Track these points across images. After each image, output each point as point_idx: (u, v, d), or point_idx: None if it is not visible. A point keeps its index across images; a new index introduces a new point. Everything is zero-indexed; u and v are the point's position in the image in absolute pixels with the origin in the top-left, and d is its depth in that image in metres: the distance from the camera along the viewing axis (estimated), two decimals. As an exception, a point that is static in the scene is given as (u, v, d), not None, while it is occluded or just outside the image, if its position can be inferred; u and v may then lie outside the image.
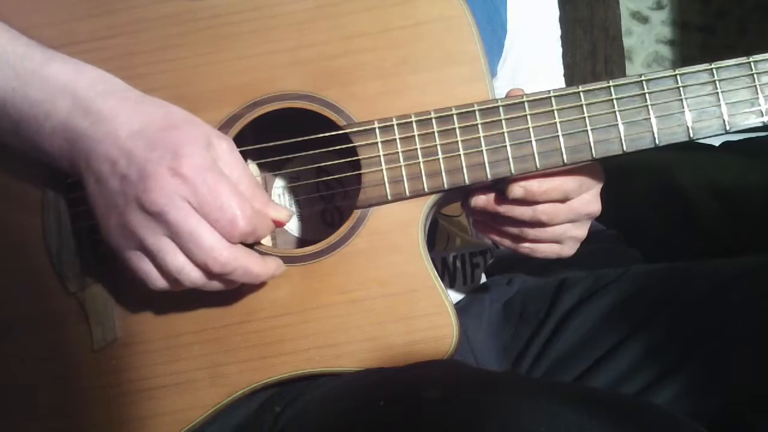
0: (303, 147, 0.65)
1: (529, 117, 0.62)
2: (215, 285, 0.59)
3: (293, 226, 0.76)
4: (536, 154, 0.62)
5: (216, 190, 0.55)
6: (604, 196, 0.68)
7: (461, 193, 0.67)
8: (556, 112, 0.62)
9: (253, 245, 0.62)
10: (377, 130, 0.63)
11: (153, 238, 0.56)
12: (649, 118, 0.62)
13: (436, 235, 0.82)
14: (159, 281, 0.58)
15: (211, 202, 0.55)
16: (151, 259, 0.57)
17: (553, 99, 0.62)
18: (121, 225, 0.56)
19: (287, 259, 0.64)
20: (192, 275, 0.57)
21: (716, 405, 0.65)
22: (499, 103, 0.62)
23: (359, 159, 0.63)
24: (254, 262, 0.59)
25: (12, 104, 0.58)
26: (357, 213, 0.64)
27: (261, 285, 0.64)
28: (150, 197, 0.54)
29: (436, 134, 0.63)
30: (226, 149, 0.58)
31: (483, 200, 0.65)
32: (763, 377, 0.64)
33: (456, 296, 0.85)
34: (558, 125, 0.62)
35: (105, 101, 0.57)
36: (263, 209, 0.59)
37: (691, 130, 0.61)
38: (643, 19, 2.96)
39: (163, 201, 0.54)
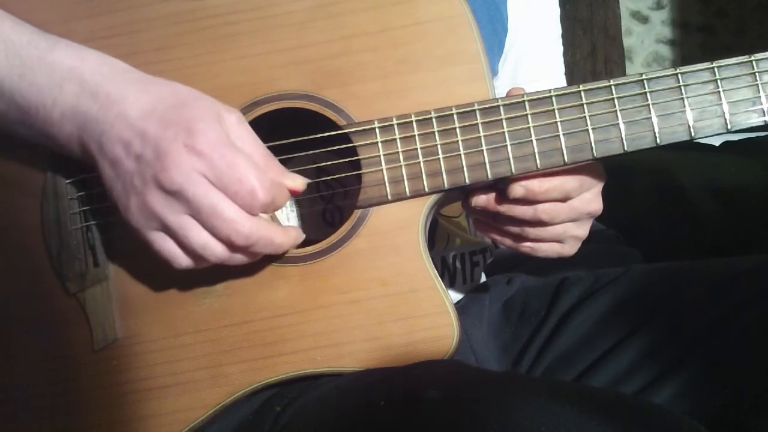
0: (303, 147, 0.65)
1: (529, 116, 0.62)
2: (239, 258, 0.59)
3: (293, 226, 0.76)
4: (537, 154, 0.62)
5: (233, 164, 0.55)
6: (605, 195, 0.68)
7: (462, 193, 0.67)
8: (556, 111, 0.62)
9: None
10: (377, 130, 0.63)
11: (174, 217, 0.56)
12: (650, 118, 0.61)
13: (435, 235, 0.82)
14: (183, 259, 0.58)
15: (229, 175, 0.55)
16: (173, 238, 0.57)
17: (553, 98, 0.62)
18: (141, 206, 0.56)
19: (288, 260, 0.64)
20: (216, 250, 0.57)
21: (716, 405, 0.65)
22: (500, 103, 0.62)
23: (359, 159, 0.63)
24: (276, 231, 0.59)
25: (19, 92, 0.58)
26: (357, 213, 0.64)
27: (262, 285, 0.64)
28: (168, 175, 0.54)
29: (437, 134, 0.63)
30: (235, 122, 0.58)
31: (483, 200, 0.65)
32: (763, 377, 0.63)
33: (456, 296, 0.85)
34: (559, 125, 0.62)
35: (112, 83, 0.57)
36: (279, 179, 0.59)
37: (692, 129, 0.61)
38: (643, 19, 2.96)
39: (182, 178, 0.54)
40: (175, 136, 0.55)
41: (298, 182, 0.61)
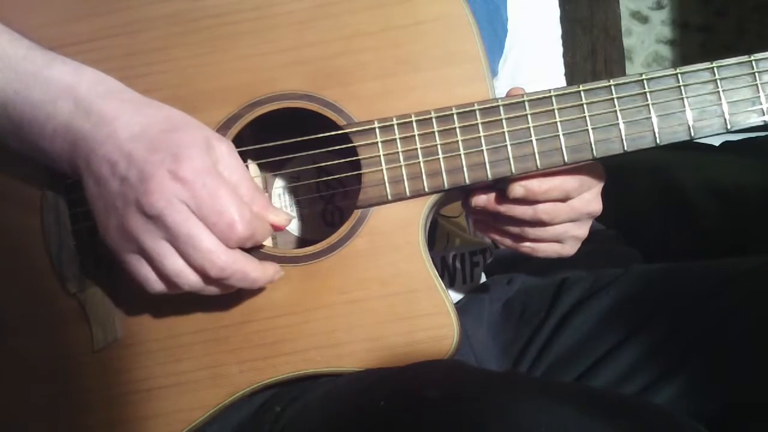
0: (303, 147, 0.65)
1: (529, 116, 0.62)
2: (212, 290, 0.59)
3: (293, 226, 0.76)
4: (537, 154, 0.62)
5: (215, 194, 0.55)
6: (605, 195, 0.68)
7: (462, 193, 0.67)
8: (556, 111, 0.62)
9: (252, 249, 0.62)
10: (377, 130, 0.63)
11: (151, 242, 0.56)
12: (650, 117, 0.61)
13: (435, 235, 0.82)
14: (157, 284, 0.58)
15: (210, 205, 0.55)
16: (149, 263, 0.57)
17: (553, 98, 0.62)
18: (120, 227, 0.56)
19: (288, 260, 0.64)
20: (190, 279, 0.57)
21: (716, 405, 0.65)
22: (500, 103, 0.62)
23: (359, 159, 0.63)
24: (252, 266, 0.59)
25: (13, 106, 0.58)
26: (357, 213, 0.64)
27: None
28: (149, 200, 0.54)
29: (437, 134, 0.63)
30: (225, 152, 0.58)
31: (483, 200, 0.65)
32: (763, 377, 0.64)
33: (456, 296, 0.85)
34: (558, 124, 0.62)
35: (106, 103, 0.57)
36: (262, 213, 0.59)
37: (692, 129, 0.61)
38: (643, 19, 2.96)
39: (162, 204, 0.54)
40: (161, 161, 0.55)
41: (282, 218, 0.61)
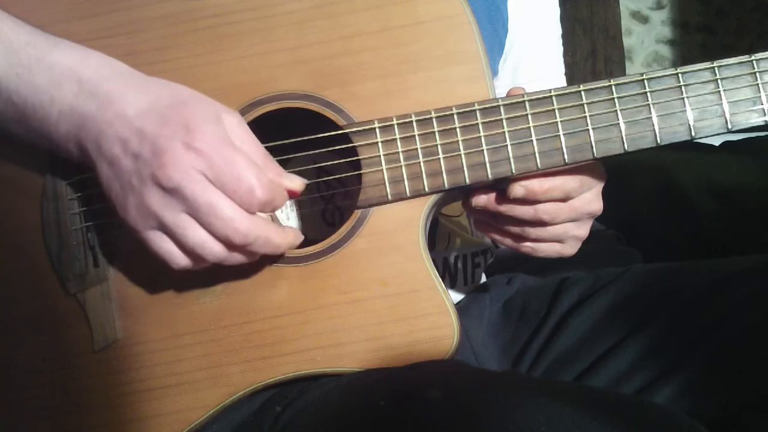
0: (303, 147, 0.65)
1: (529, 116, 0.62)
2: (237, 257, 0.58)
3: (293, 226, 0.76)
4: (537, 154, 0.62)
5: (232, 161, 0.55)
6: (605, 195, 0.68)
7: (462, 193, 0.67)
8: (557, 111, 0.62)
9: None
10: (377, 130, 0.63)
11: (172, 215, 0.55)
12: (651, 117, 0.61)
13: (436, 235, 0.82)
14: (181, 259, 0.58)
15: (227, 173, 0.55)
16: (171, 237, 0.57)
17: (554, 98, 0.62)
18: (139, 205, 0.56)
19: (288, 260, 0.64)
20: (214, 249, 0.57)
21: (716, 405, 0.65)
22: (500, 103, 0.62)
23: (359, 159, 0.63)
24: (274, 231, 0.58)
25: (17, 91, 0.58)
26: (357, 213, 0.64)
27: (262, 285, 0.64)
28: (166, 173, 0.54)
29: (437, 134, 0.63)
30: (235, 123, 0.58)
31: (484, 200, 0.65)
32: (763, 377, 0.64)
33: (456, 296, 0.85)
34: (559, 124, 0.62)
35: (111, 83, 0.57)
36: (277, 179, 0.59)
37: (692, 129, 0.61)
38: (643, 19, 2.96)
39: (179, 176, 0.54)
40: (174, 133, 0.54)
41: (297, 183, 0.60)
